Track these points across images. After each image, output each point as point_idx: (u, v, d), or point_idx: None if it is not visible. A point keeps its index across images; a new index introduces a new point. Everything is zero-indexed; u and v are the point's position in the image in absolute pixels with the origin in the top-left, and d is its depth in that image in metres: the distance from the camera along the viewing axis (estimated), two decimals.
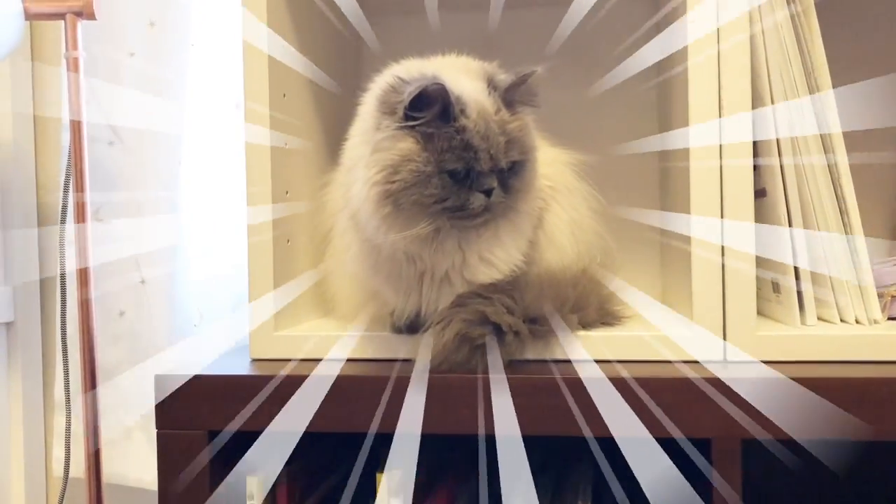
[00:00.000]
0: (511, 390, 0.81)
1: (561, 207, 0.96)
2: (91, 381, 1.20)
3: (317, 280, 1.05)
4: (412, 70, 0.85)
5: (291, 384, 0.84)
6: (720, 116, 0.86)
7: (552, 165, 0.97)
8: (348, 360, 0.92)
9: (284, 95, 0.99)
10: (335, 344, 0.93)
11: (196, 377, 0.87)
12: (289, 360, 0.94)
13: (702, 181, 0.87)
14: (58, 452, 1.37)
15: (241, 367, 0.93)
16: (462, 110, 0.80)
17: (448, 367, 0.83)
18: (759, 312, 0.89)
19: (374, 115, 0.83)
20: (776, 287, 0.93)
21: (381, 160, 0.80)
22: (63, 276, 1.31)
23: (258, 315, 0.95)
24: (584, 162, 1.00)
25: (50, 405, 1.45)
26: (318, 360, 0.93)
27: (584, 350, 0.88)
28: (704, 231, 0.87)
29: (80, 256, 1.20)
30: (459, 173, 0.80)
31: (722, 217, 0.87)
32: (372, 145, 0.81)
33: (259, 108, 0.95)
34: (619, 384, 0.80)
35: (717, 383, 0.79)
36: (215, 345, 1.30)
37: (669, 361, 0.87)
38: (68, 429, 1.32)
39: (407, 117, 0.80)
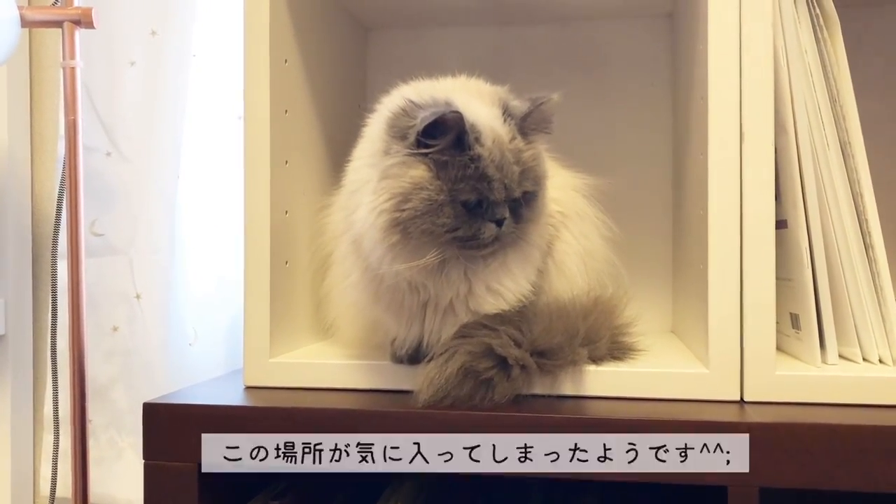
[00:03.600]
0: (517, 428, 0.76)
1: (571, 235, 0.92)
2: (81, 398, 1.16)
3: (316, 303, 1.01)
4: (423, 93, 0.81)
5: (287, 416, 0.80)
6: (741, 144, 0.82)
7: (563, 190, 0.93)
8: (347, 390, 0.88)
9: (286, 112, 0.96)
10: (333, 373, 0.89)
11: (186, 406, 0.83)
12: (284, 388, 0.90)
13: (720, 211, 0.83)
14: (45, 471, 1.33)
15: (235, 395, 0.89)
16: (477, 138, 0.77)
17: (451, 401, 0.79)
18: (778, 348, 0.84)
19: (383, 138, 0.79)
20: (795, 322, 0.89)
21: (391, 187, 0.77)
22: (55, 290, 1.28)
23: (253, 340, 0.91)
24: (596, 186, 0.97)
25: (39, 422, 1.41)
26: (315, 390, 0.89)
27: (593, 386, 0.84)
28: (722, 264, 0.83)
29: (72, 269, 1.16)
30: (472, 203, 0.77)
31: (741, 250, 0.82)
32: (380, 171, 0.78)
33: (259, 124, 0.92)
34: (629, 425, 0.75)
35: (733, 426, 0.75)
36: (210, 366, 1.27)
37: (683, 401, 0.83)
38: (56, 447, 1.28)
39: (419, 143, 0.76)
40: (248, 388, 0.91)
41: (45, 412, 1.36)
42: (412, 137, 0.76)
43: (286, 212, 0.96)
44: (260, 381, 0.91)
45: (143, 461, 0.83)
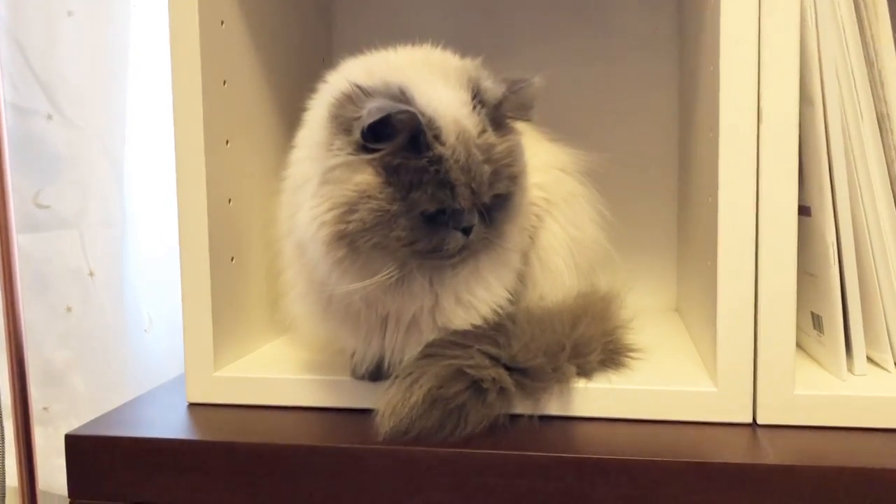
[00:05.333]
0: (493, 468, 0.66)
1: (558, 224, 0.79)
2: (21, 384, 1.06)
3: (272, 301, 0.90)
4: (374, 73, 0.67)
5: (227, 452, 0.70)
6: (758, 125, 0.69)
7: (548, 171, 0.80)
8: (301, 408, 0.77)
9: (225, 83, 0.82)
10: (285, 390, 0.78)
11: (114, 440, 0.72)
12: (232, 406, 0.79)
13: (732, 203, 0.70)
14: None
15: (174, 417, 0.78)
16: (436, 136, 0.63)
17: (416, 434, 0.68)
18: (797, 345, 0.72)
19: (325, 129, 0.65)
20: (817, 323, 0.77)
21: (333, 195, 0.64)
22: None
23: (194, 352, 0.80)
24: (587, 160, 0.83)
25: None
26: (266, 409, 0.78)
27: (583, 406, 0.73)
28: (733, 264, 0.70)
29: (2, 245, 1.04)
30: (432, 212, 0.64)
31: (757, 249, 0.70)
32: (321, 172, 0.64)
33: (190, 99, 0.78)
34: (622, 466, 0.64)
35: (744, 452, 0.65)
36: (166, 356, 1.17)
37: (686, 423, 0.71)
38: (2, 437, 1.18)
39: (365, 143, 0.63)
40: (191, 405, 0.80)
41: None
42: (356, 133, 0.62)
43: (229, 200, 0.83)
44: (204, 397, 0.80)
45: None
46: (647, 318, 0.96)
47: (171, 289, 1.19)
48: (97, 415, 0.81)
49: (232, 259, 0.84)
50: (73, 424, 1.24)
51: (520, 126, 0.70)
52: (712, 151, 0.73)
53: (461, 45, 0.74)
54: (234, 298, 0.84)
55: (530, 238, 0.78)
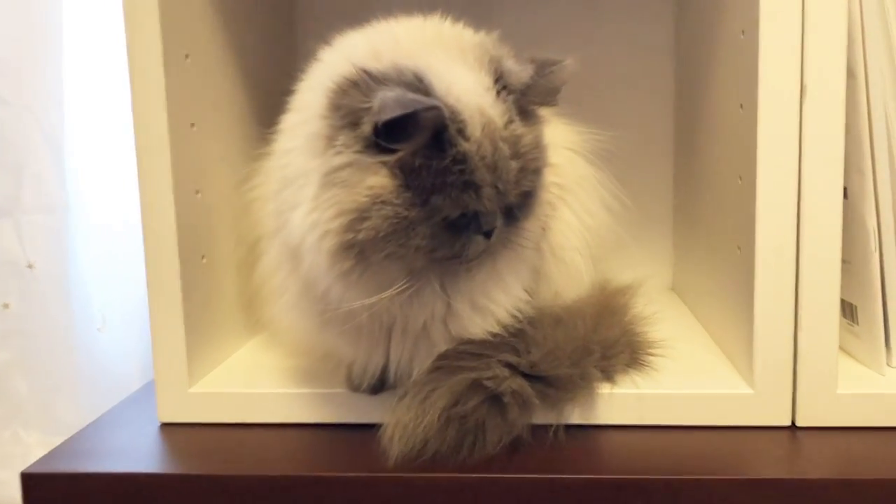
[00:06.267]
0: (521, 494, 0.59)
1: (571, 211, 0.71)
2: None
3: (246, 302, 0.80)
4: (381, 53, 0.57)
5: (213, 488, 0.61)
6: (801, 101, 0.62)
7: (559, 151, 0.72)
8: (292, 425, 0.69)
9: (187, 57, 0.71)
10: (272, 405, 0.69)
11: (80, 476, 0.62)
12: (211, 425, 0.70)
13: (773, 183, 0.63)
14: None
15: (146, 438, 0.69)
16: (461, 130, 0.54)
17: (430, 456, 0.60)
18: None
19: (326, 118, 0.55)
20: (851, 313, 0.72)
21: (340, 200, 0.54)
22: None
23: (165, 367, 0.70)
24: (596, 139, 0.75)
25: None
26: (251, 427, 0.69)
27: (609, 414, 0.66)
28: (773, 251, 0.64)
29: None
30: (454, 216, 0.55)
31: (798, 234, 0.63)
32: (323, 172, 0.55)
33: (149, 75, 0.67)
34: (665, 486, 0.58)
35: (790, 464, 0.60)
36: (124, 357, 1.06)
37: (719, 428, 0.66)
38: None
39: (378, 142, 0.53)
40: (164, 425, 0.71)
41: None
42: (367, 129, 0.53)
43: (197, 191, 0.73)
44: (178, 416, 0.70)
45: None
46: (644, 299, 0.89)
47: (127, 283, 1.08)
48: (44, 420, 0.71)
49: (203, 258, 0.74)
50: (18, 432, 1.13)
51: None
52: (745, 128, 0.66)
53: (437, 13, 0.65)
54: (208, 302, 0.74)
55: (542, 229, 0.70)
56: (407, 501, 0.59)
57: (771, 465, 0.61)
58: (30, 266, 1.08)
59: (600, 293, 0.72)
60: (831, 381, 0.65)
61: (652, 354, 0.71)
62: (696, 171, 0.88)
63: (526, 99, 0.58)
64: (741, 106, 0.67)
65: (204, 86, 0.74)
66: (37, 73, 1.03)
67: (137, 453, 0.67)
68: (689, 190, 0.93)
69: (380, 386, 0.67)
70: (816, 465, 0.61)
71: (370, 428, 0.64)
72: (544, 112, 0.72)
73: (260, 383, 0.71)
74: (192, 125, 0.72)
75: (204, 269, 0.74)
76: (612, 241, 0.76)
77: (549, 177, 0.69)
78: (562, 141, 0.73)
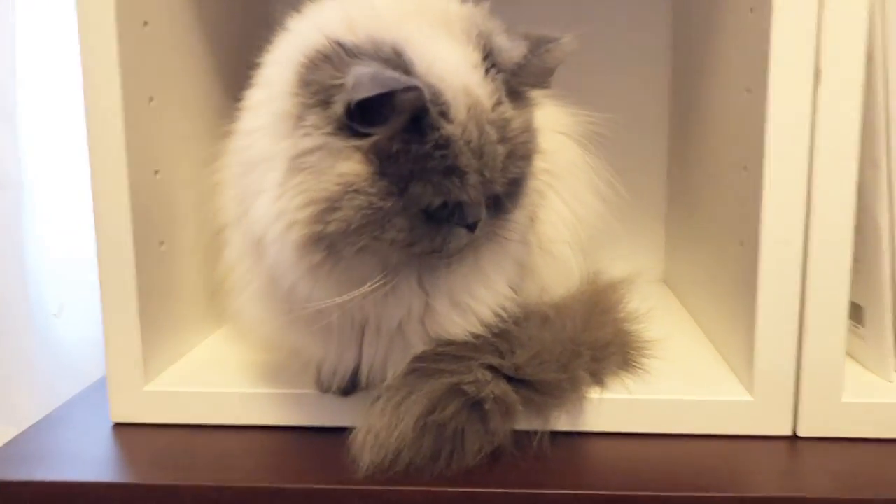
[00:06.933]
0: None
1: (560, 200, 0.66)
2: None
3: (211, 292, 0.74)
4: (356, 23, 0.51)
5: (177, 495, 0.56)
6: (816, 86, 0.57)
7: (550, 136, 0.66)
8: (255, 428, 0.64)
9: (145, 24, 0.65)
10: (234, 405, 0.64)
11: (24, 485, 0.57)
12: (167, 426, 0.65)
13: (782, 173, 0.58)
14: None
15: (97, 441, 0.63)
16: (443, 112, 0.48)
17: (403, 466, 0.55)
18: None
19: (294, 97, 0.50)
20: (857, 315, 0.67)
21: (308, 188, 0.48)
22: None
23: (117, 363, 0.65)
24: (588, 122, 0.70)
25: None
26: (210, 428, 0.64)
27: (598, 420, 0.61)
28: (778, 245, 0.59)
29: None
30: (435, 207, 0.50)
31: (807, 226, 0.59)
32: (290, 155, 0.49)
33: (100, 46, 0.61)
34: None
35: (781, 475, 0.56)
36: (81, 343, 1.00)
37: (715, 437, 0.61)
38: None
39: (351, 123, 0.48)
40: (116, 426, 0.65)
41: None
42: (340, 109, 0.47)
43: (156, 172, 0.67)
44: (132, 416, 0.65)
45: None
46: (635, 293, 0.85)
47: (85, 266, 1.02)
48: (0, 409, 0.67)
49: (161, 244, 0.68)
50: None
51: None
52: (752, 114, 0.60)
53: None
54: (166, 293, 0.69)
55: (530, 219, 0.64)
56: None
57: (768, 481, 0.56)
58: None
59: (591, 289, 0.67)
60: (836, 389, 0.60)
61: (645, 356, 0.66)
62: (694, 158, 0.83)
63: (517, 79, 0.52)
64: (748, 90, 0.62)
65: (165, 57, 0.68)
66: None
67: (86, 459, 0.61)
68: (686, 177, 0.88)
69: (351, 387, 0.62)
70: (818, 481, 0.56)
71: (340, 432, 0.59)
72: (536, 94, 0.68)
73: (221, 381, 0.66)
74: (151, 99, 0.66)
75: (162, 256, 0.68)
76: (605, 231, 0.71)
77: (540, 162, 0.64)
78: (553, 124, 0.68)
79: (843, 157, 0.57)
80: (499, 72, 0.52)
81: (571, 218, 0.66)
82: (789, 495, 0.54)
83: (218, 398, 0.64)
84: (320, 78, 0.48)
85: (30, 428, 0.66)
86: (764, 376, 0.60)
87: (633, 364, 0.64)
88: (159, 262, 0.67)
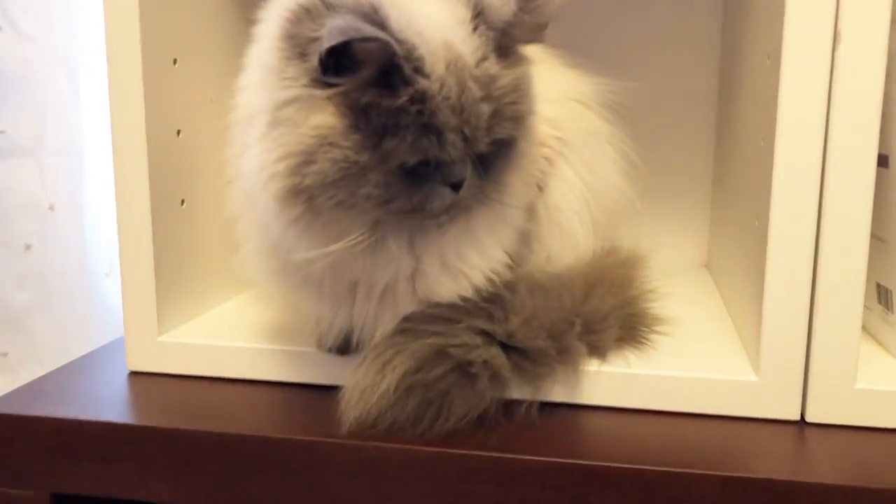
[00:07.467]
0: (479, 473, 0.53)
1: (572, 169, 0.65)
2: None
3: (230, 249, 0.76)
4: None
5: (167, 440, 0.58)
6: (833, 50, 0.54)
7: (562, 104, 0.65)
8: (258, 382, 0.65)
9: None
10: (239, 360, 0.66)
11: (34, 420, 0.60)
12: (178, 376, 0.67)
13: (793, 146, 0.55)
14: None
15: (112, 386, 0.66)
16: (418, 68, 0.48)
17: (387, 427, 0.55)
18: None
19: (277, 51, 0.50)
20: (885, 298, 0.63)
21: (284, 141, 0.49)
22: None
23: (134, 313, 0.68)
24: (612, 91, 0.68)
25: None
26: (218, 381, 0.66)
27: (594, 393, 0.60)
28: (788, 225, 0.56)
29: None
30: (412, 164, 0.50)
31: (821, 200, 0.55)
32: (271, 108, 0.50)
33: (124, 7, 0.63)
34: (637, 477, 0.52)
35: (782, 459, 0.53)
36: None
37: (718, 418, 0.59)
38: None
39: (326, 73, 0.48)
40: (132, 373, 0.68)
41: None
42: (314, 60, 0.48)
43: (178, 131, 0.69)
44: (146, 365, 0.68)
45: None
46: (673, 276, 0.82)
47: None
48: (60, 361, 0.71)
49: (182, 202, 0.70)
50: (36, 372, 1.14)
51: (530, 51, 0.55)
52: (769, 81, 0.58)
53: None
54: (185, 250, 0.71)
55: (538, 187, 0.63)
56: (359, 470, 0.55)
57: (767, 464, 0.53)
58: (51, 208, 1.08)
59: (599, 262, 0.65)
60: (850, 374, 0.57)
61: (653, 332, 0.64)
62: (729, 136, 0.80)
63: (508, 37, 0.52)
64: (768, 57, 0.59)
65: (187, 18, 0.70)
66: (57, 7, 1.02)
67: (97, 401, 0.64)
68: (724, 157, 0.84)
69: (346, 347, 0.62)
70: (821, 468, 0.53)
71: (338, 390, 0.59)
72: (553, 60, 0.67)
73: (231, 337, 0.68)
74: (175, 61, 0.68)
75: (183, 214, 0.70)
76: (624, 206, 0.69)
77: (549, 129, 0.63)
78: (569, 91, 0.67)
79: (862, 125, 0.54)
80: (488, 29, 0.51)
81: (583, 189, 0.65)
82: (784, 479, 0.51)
83: (225, 352, 0.66)
84: (300, 31, 0.49)
85: (53, 371, 0.70)
86: (770, 356, 0.58)
87: (638, 339, 0.62)
88: (179, 220, 0.70)
